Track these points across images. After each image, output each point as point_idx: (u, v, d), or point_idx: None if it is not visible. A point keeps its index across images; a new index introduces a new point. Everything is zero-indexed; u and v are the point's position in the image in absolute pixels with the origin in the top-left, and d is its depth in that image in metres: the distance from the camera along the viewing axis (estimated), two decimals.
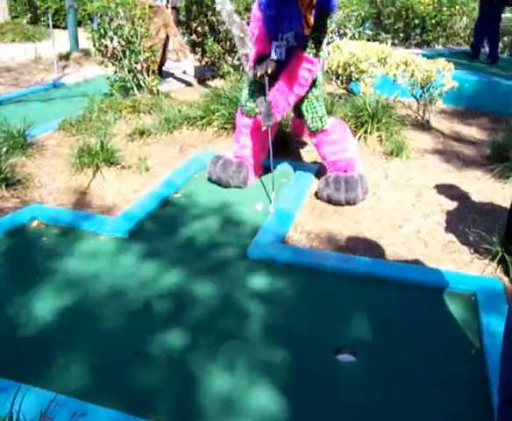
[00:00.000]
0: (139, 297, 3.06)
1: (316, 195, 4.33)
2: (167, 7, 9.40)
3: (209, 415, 2.28)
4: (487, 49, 9.79)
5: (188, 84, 8.24)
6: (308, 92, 4.24)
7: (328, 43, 7.20)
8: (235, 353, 2.64)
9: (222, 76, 8.18)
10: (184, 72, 8.52)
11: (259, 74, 4.05)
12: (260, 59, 4.07)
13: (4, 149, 4.75)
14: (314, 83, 4.25)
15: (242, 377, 2.50)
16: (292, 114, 5.25)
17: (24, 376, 2.43)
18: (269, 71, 4.02)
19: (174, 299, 3.05)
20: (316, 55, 4.02)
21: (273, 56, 4.04)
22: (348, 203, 4.18)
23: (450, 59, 6.63)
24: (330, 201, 4.22)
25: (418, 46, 10.89)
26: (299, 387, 2.46)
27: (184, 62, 8.30)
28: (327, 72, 6.76)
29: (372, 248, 3.64)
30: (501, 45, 10.86)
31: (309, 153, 5.22)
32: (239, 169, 4.46)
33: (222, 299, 3.05)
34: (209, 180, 4.59)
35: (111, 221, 3.86)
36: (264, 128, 4.10)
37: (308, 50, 3.96)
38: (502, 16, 10.96)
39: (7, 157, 4.66)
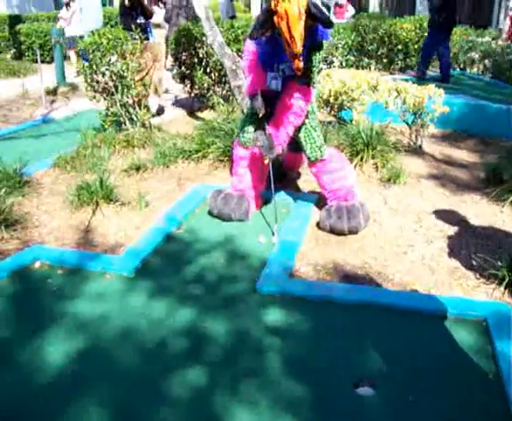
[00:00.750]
0: (153, 337, 3.04)
1: (318, 225, 4.35)
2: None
3: None
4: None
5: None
6: (305, 122, 4.28)
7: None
8: (256, 390, 2.63)
9: (211, 107, 8.23)
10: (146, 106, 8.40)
11: (261, 114, 4.09)
12: (258, 95, 4.11)
13: (3, 190, 4.71)
14: (310, 113, 4.30)
15: (265, 414, 2.48)
16: (286, 148, 5.30)
17: None
18: (268, 110, 4.07)
19: (189, 337, 3.03)
20: (310, 85, 4.07)
21: (270, 86, 4.09)
22: (351, 231, 4.21)
23: (435, 83, 6.77)
24: (332, 230, 4.24)
25: (401, 70, 11.06)
26: None
27: (152, 98, 8.24)
28: (317, 100, 6.84)
29: (379, 277, 3.66)
30: (482, 67, 11.11)
31: (306, 183, 5.25)
32: (241, 202, 4.46)
33: (237, 335, 3.04)
34: (210, 214, 4.60)
35: (117, 260, 3.84)
36: (267, 161, 4.13)
37: (302, 80, 4.00)
38: (483, 39, 11.23)
39: (5, 197, 4.61)
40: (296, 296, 3.40)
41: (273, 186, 4.34)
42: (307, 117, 4.27)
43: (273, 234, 4.21)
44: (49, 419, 2.47)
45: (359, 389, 2.66)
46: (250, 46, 4.17)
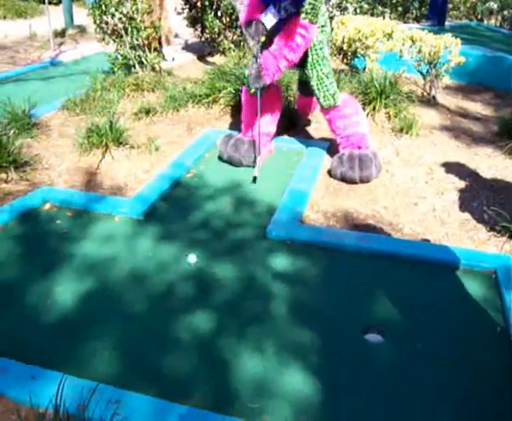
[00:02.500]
0: (161, 280, 3.04)
1: (329, 173, 4.31)
2: None
3: (245, 398, 2.27)
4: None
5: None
6: (317, 70, 4.19)
7: (330, 18, 7.11)
8: (263, 335, 2.64)
9: (222, 52, 8.09)
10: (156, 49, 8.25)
11: (253, 44, 4.03)
12: (252, 23, 4.01)
13: (12, 131, 4.67)
14: (321, 59, 4.19)
15: (272, 359, 2.49)
16: (298, 92, 5.22)
17: (54, 363, 2.42)
18: (261, 38, 3.99)
19: (196, 281, 3.03)
20: (312, 21, 3.94)
21: (263, 21, 4.00)
22: (362, 181, 4.17)
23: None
24: (343, 179, 4.20)
25: (416, 20, 10.81)
26: (329, 367, 2.46)
27: (166, 49, 8.06)
28: (330, 48, 6.69)
29: (389, 227, 3.64)
30: (500, 19, 10.83)
31: (317, 131, 5.19)
32: (251, 148, 4.42)
33: (245, 280, 3.04)
34: (220, 159, 4.56)
35: (126, 202, 3.83)
36: (252, 91, 4.08)
37: (303, 15, 3.88)
38: None
39: (14, 138, 4.57)
40: (306, 242, 3.38)
41: (258, 127, 4.31)
42: (318, 64, 4.18)
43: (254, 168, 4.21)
44: (58, 357, 2.49)
45: (368, 335, 2.67)
46: None
